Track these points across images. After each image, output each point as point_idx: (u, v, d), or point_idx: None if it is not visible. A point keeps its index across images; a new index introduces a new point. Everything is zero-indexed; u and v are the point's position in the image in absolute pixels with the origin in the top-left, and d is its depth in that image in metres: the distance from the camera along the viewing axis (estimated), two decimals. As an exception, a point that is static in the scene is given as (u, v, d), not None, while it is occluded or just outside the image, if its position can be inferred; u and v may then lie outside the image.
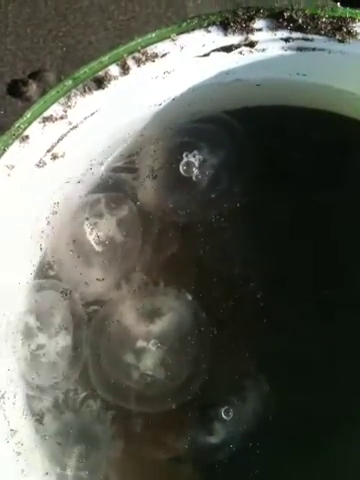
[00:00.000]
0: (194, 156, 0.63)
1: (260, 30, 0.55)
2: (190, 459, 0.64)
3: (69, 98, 0.54)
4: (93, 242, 0.62)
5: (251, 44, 0.56)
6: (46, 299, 0.62)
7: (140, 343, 0.62)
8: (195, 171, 0.63)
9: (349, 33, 0.55)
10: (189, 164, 0.63)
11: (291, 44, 0.56)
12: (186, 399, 0.63)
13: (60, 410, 0.63)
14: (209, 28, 0.55)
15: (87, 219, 0.63)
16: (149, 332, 0.62)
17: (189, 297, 0.64)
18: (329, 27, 0.55)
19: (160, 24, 0.91)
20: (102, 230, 0.63)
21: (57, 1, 0.93)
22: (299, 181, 0.66)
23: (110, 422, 0.63)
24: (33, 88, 0.89)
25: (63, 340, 0.61)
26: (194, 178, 0.63)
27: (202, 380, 0.63)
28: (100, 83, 0.54)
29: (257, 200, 0.65)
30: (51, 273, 0.64)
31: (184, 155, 0.63)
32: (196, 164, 0.63)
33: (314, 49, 0.56)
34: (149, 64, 0.55)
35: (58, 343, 0.61)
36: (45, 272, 0.64)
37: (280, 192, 0.66)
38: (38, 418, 0.63)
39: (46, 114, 0.54)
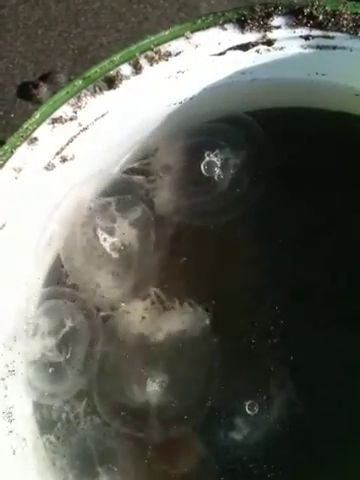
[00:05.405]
0: (216, 155, 0.61)
1: (278, 27, 0.54)
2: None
3: (79, 99, 0.53)
4: (107, 247, 0.60)
5: (269, 42, 0.54)
6: (56, 307, 0.60)
7: (149, 358, 0.60)
8: (217, 171, 0.61)
9: (372, 31, 0.53)
10: (211, 163, 0.61)
11: (311, 42, 0.54)
12: (198, 420, 0.61)
13: (69, 430, 0.61)
14: (225, 25, 0.54)
15: (98, 224, 0.61)
16: (160, 345, 0.60)
17: (202, 310, 0.62)
18: (351, 24, 0.53)
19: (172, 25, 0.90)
20: (114, 235, 0.61)
21: (68, 3, 0.92)
22: (319, 183, 0.64)
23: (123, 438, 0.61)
24: (44, 90, 0.89)
25: (74, 350, 0.59)
26: (216, 178, 0.61)
27: (214, 399, 0.60)
28: (111, 83, 0.53)
29: (275, 202, 0.63)
30: (61, 279, 0.62)
31: (206, 154, 0.61)
32: (218, 164, 0.61)
33: (335, 47, 0.54)
34: (162, 63, 0.53)
35: (68, 353, 0.59)
36: (55, 278, 0.62)
37: (299, 195, 0.64)
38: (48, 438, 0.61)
39: (55, 115, 0.53)
